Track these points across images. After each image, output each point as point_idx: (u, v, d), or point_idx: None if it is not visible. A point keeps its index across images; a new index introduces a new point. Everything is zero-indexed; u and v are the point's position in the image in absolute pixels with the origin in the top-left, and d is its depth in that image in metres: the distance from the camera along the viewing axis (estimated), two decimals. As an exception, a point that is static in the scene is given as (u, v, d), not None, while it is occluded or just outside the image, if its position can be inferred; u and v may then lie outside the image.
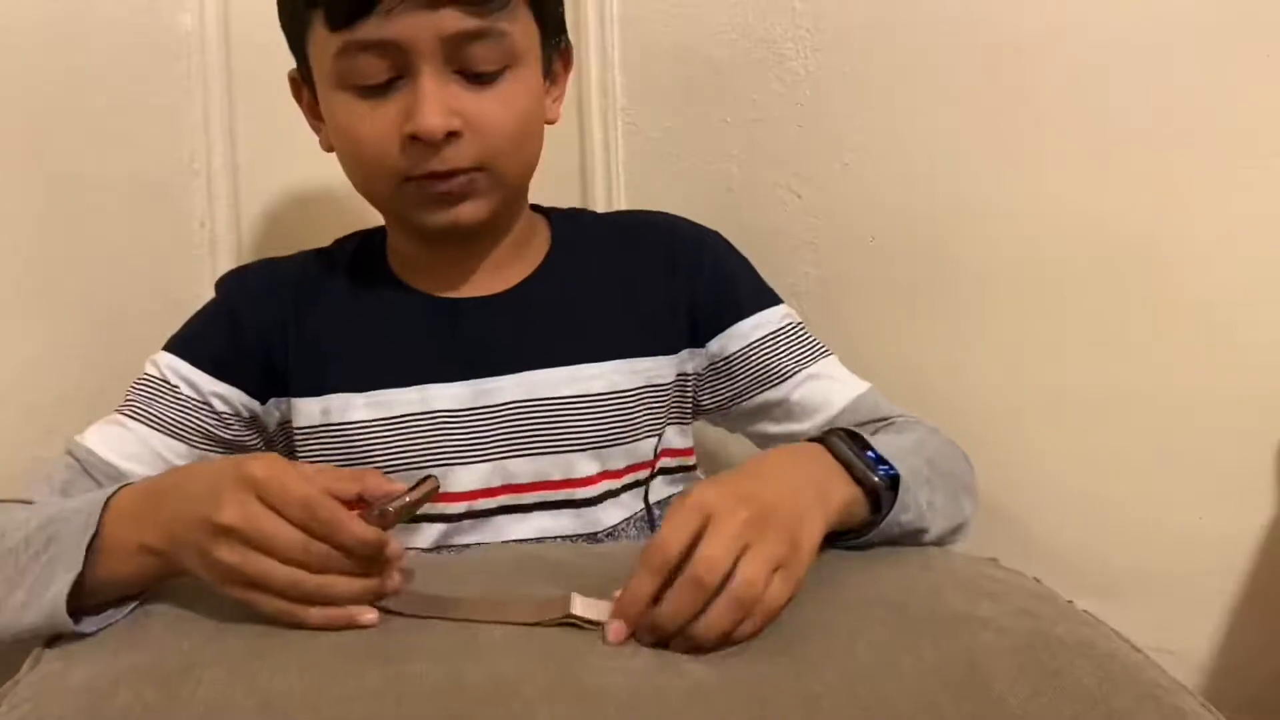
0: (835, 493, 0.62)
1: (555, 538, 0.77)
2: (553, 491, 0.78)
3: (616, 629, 0.53)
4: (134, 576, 0.59)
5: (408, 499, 0.57)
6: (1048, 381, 0.90)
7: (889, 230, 0.98)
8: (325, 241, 0.88)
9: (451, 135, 0.70)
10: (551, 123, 0.81)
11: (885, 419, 0.82)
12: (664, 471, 0.84)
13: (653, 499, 0.82)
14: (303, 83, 0.79)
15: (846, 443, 0.66)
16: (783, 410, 0.84)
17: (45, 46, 0.87)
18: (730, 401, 0.86)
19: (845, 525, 0.63)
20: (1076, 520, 0.90)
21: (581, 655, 0.51)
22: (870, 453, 0.66)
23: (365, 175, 0.75)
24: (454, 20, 0.69)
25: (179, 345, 0.80)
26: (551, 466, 0.78)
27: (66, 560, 0.57)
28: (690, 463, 0.87)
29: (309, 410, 0.78)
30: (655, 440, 0.82)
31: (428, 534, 0.76)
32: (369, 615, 0.55)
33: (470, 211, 0.74)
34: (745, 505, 0.55)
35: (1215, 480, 0.84)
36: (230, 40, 1.01)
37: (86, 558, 0.57)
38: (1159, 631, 0.83)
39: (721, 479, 0.59)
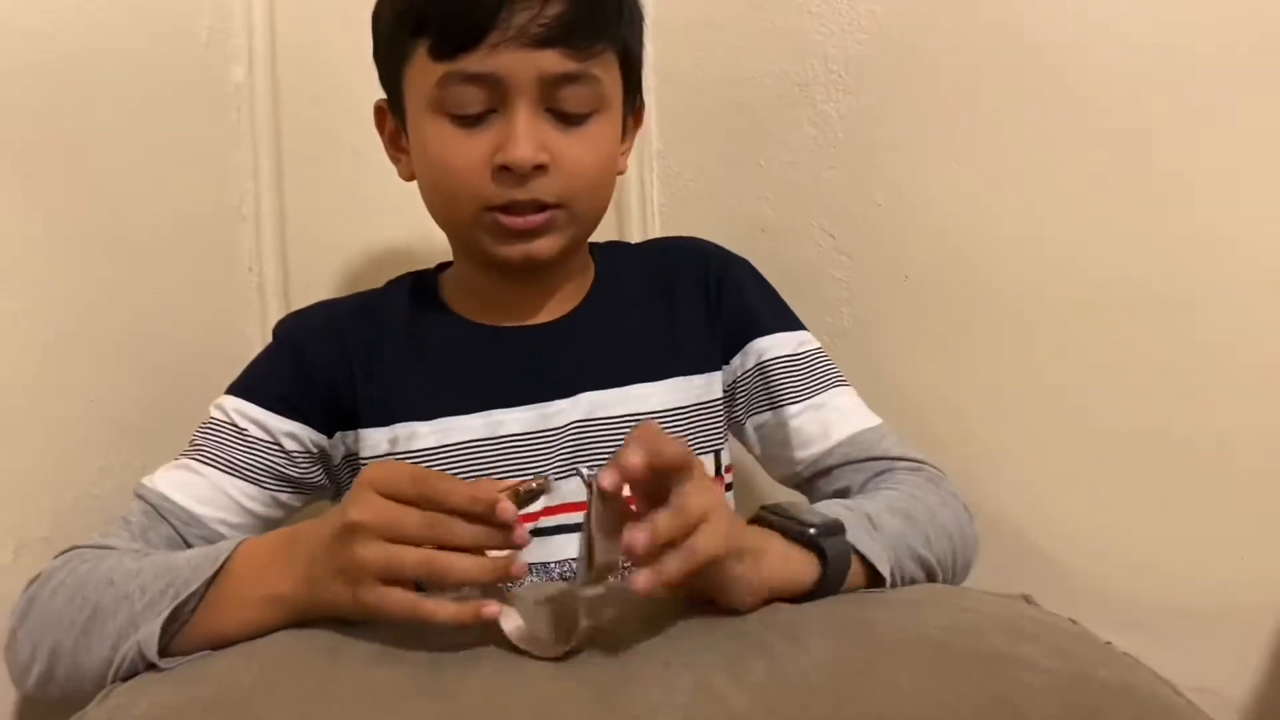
0: (788, 563, 0.63)
1: None
2: None
3: (612, 480, 0.55)
4: (251, 627, 0.61)
5: (529, 485, 0.59)
6: (1084, 419, 0.90)
7: (922, 269, 0.99)
8: (369, 283, 0.91)
9: (539, 169, 0.73)
10: (620, 173, 0.84)
11: (884, 459, 0.81)
12: (728, 489, 0.86)
13: None
14: (389, 112, 0.82)
15: (777, 511, 0.67)
16: (782, 434, 0.85)
17: (103, 95, 0.90)
18: (736, 419, 0.88)
19: (799, 586, 0.64)
20: (1113, 558, 0.89)
21: (624, 686, 0.52)
22: (801, 512, 0.66)
23: (448, 201, 0.77)
24: (555, 62, 0.72)
25: (244, 388, 0.81)
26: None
27: (188, 604, 0.61)
28: (731, 480, 0.89)
29: (376, 440, 0.80)
30: (713, 457, 0.84)
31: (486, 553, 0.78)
32: (492, 608, 0.57)
33: (543, 247, 0.77)
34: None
35: (1257, 518, 0.84)
36: (279, 91, 1.04)
37: (201, 605, 0.61)
38: (1199, 670, 0.83)
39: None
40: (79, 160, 0.89)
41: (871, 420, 0.84)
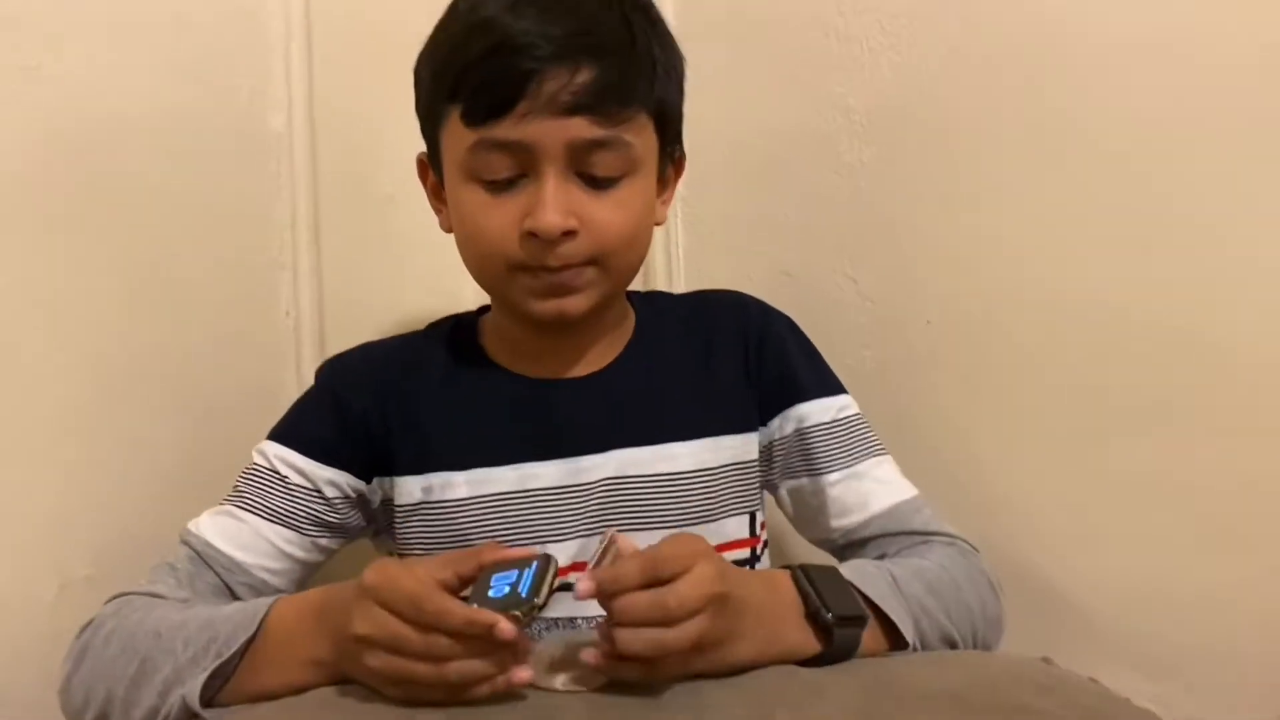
0: (783, 640, 0.65)
1: None
2: None
3: (586, 587, 0.60)
4: (295, 686, 0.64)
5: (538, 600, 0.59)
6: (1108, 464, 0.90)
7: (944, 314, 1.00)
8: (403, 329, 0.92)
9: (567, 234, 0.74)
10: (659, 224, 0.84)
11: (920, 533, 0.81)
12: (764, 548, 0.86)
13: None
14: (429, 166, 0.83)
15: (811, 573, 0.68)
16: (819, 502, 0.85)
17: (149, 148, 0.93)
18: (771, 480, 0.88)
19: (794, 660, 0.66)
20: (1138, 603, 0.89)
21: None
22: (832, 591, 0.68)
23: (481, 262, 0.79)
24: (583, 129, 0.72)
25: (285, 434, 0.82)
26: (641, 543, 0.79)
27: (231, 661, 0.64)
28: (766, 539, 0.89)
29: (410, 488, 0.81)
30: (747, 518, 0.84)
31: None
32: (523, 674, 0.59)
33: (575, 304, 0.77)
34: (724, 583, 0.61)
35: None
36: (317, 141, 1.07)
37: (243, 663, 0.65)
38: (1225, 713, 0.83)
39: (718, 554, 0.65)
40: (126, 210, 0.92)
41: (908, 491, 0.84)
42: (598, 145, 0.73)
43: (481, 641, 0.57)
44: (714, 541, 0.80)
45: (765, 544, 0.87)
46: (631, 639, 0.59)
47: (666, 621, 0.59)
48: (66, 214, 0.87)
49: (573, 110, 0.72)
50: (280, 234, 1.05)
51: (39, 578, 0.85)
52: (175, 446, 0.95)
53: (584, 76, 0.71)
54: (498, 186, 0.75)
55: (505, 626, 0.56)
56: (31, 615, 0.84)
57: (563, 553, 0.79)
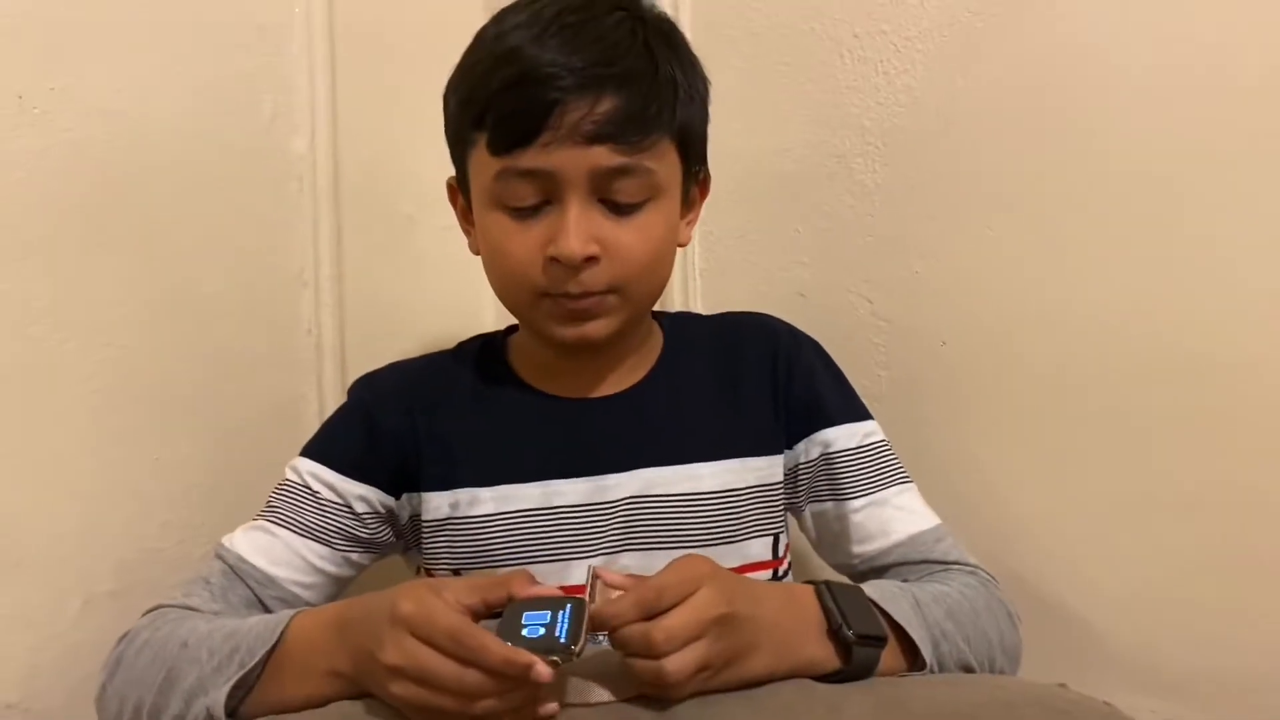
0: (798, 652, 0.66)
1: None
2: None
3: None
4: (316, 697, 0.65)
5: (575, 648, 0.58)
6: (1122, 486, 0.90)
7: (959, 335, 1.00)
8: (424, 347, 0.94)
9: (589, 260, 0.75)
10: (683, 245, 0.85)
11: (941, 562, 0.82)
12: (788, 571, 0.86)
13: None
14: (459, 190, 0.85)
15: (835, 591, 0.69)
16: (841, 527, 0.85)
17: (173, 167, 0.95)
18: (795, 503, 0.88)
19: (812, 674, 0.66)
20: (1154, 625, 0.89)
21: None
22: (855, 609, 0.68)
23: (506, 287, 0.80)
24: (605, 157, 0.73)
25: (317, 451, 0.84)
26: (664, 562, 0.79)
27: (253, 671, 0.66)
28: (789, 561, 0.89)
29: (437, 504, 0.82)
30: (770, 540, 0.84)
31: None
32: (551, 707, 0.61)
33: (598, 329, 0.78)
34: (729, 604, 0.62)
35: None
36: (338, 162, 1.08)
37: (265, 673, 0.66)
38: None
39: (729, 573, 0.66)
40: (149, 231, 0.93)
41: (931, 520, 0.84)
42: (620, 173, 0.74)
43: (514, 680, 0.58)
44: (736, 563, 0.82)
45: (789, 567, 0.88)
46: (639, 667, 0.61)
47: (655, 654, 0.60)
48: (91, 235, 0.89)
49: (595, 139, 0.73)
50: (302, 252, 1.07)
51: (63, 593, 0.86)
52: (198, 463, 0.96)
53: (606, 106, 0.73)
54: (522, 213, 0.76)
55: (543, 670, 0.57)
56: (56, 630, 0.85)
57: (585, 572, 0.79)
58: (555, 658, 0.57)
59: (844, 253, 1.07)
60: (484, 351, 0.90)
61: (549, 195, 0.75)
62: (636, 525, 0.81)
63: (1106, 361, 0.91)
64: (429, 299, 1.18)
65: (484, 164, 0.77)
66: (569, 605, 0.60)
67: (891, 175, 1.04)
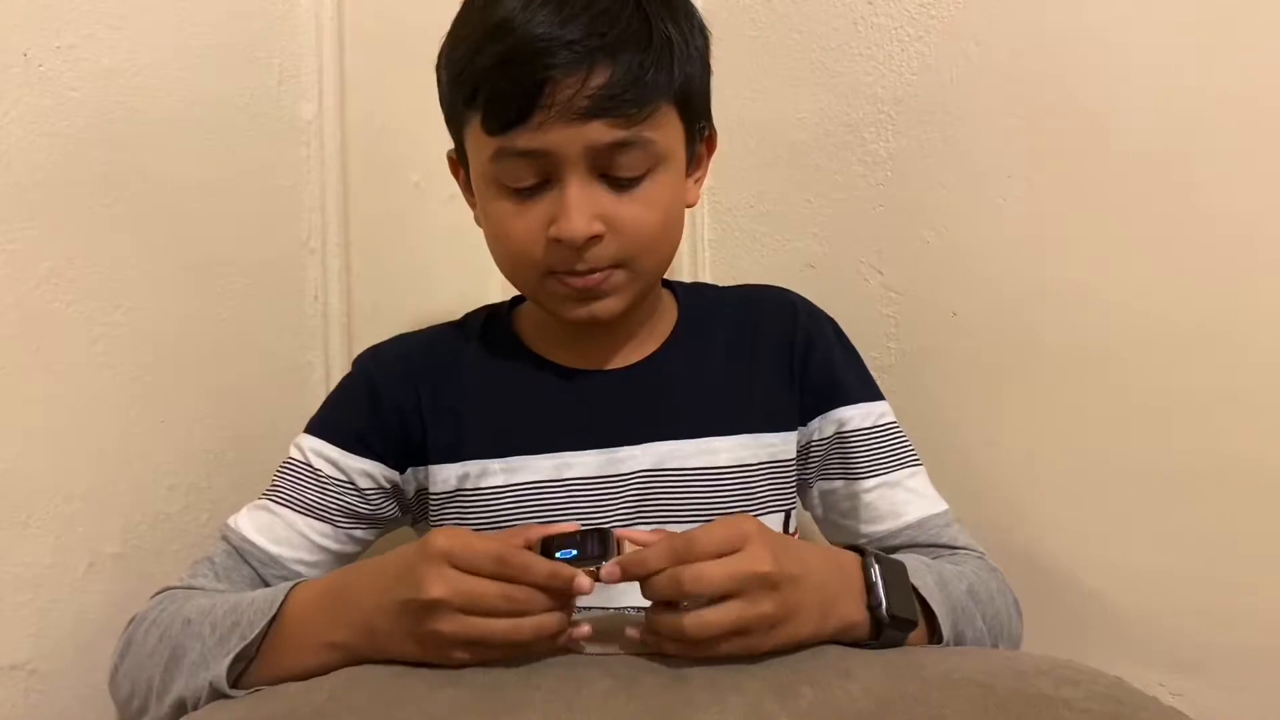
0: (839, 615, 0.65)
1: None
2: None
3: (610, 570, 0.61)
4: (312, 669, 0.64)
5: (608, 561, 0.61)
6: (1131, 458, 0.90)
7: (969, 306, 1.00)
8: (430, 314, 0.93)
9: (593, 239, 0.73)
10: (691, 205, 0.83)
11: (948, 546, 0.82)
12: None
13: None
14: (459, 163, 0.83)
15: (883, 567, 0.68)
16: (850, 506, 0.85)
17: (180, 131, 0.94)
18: (805, 479, 0.87)
19: (842, 640, 0.66)
20: (1163, 598, 0.89)
21: (681, 708, 0.55)
22: (895, 588, 0.68)
23: (511, 267, 0.79)
24: (601, 132, 0.71)
25: (320, 427, 0.83)
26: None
27: (253, 643, 0.66)
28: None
29: (446, 476, 0.81)
30: (782, 517, 0.84)
31: None
32: (585, 629, 0.62)
33: (607, 307, 0.77)
34: (771, 563, 0.61)
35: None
36: (346, 128, 1.08)
37: (263, 647, 0.66)
38: (1248, 712, 0.83)
39: (776, 534, 0.65)
40: (156, 196, 0.93)
41: (940, 505, 0.84)
42: (618, 147, 0.72)
43: (557, 596, 0.60)
44: None
45: None
46: (659, 620, 0.61)
47: (681, 596, 0.59)
48: (97, 197, 0.88)
49: (589, 115, 0.70)
50: (309, 219, 1.06)
51: (70, 555, 0.86)
52: (204, 428, 0.96)
53: (599, 79, 0.70)
54: (522, 194, 0.74)
55: (584, 581, 0.59)
56: (62, 591, 0.85)
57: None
58: (593, 567, 0.59)
59: (855, 223, 1.07)
60: (490, 322, 0.89)
61: (548, 175, 0.73)
62: (650, 498, 0.81)
63: (1118, 335, 0.91)
64: (436, 266, 1.17)
65: (480, 143, 0.75)
66: (594, 533, 0.62)
67: (904, 144, 1.03)
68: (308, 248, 1.06)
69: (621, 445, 0.81)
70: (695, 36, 0.78)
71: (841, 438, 0.85)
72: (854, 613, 0.66)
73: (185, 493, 0.93)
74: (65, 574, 0.86)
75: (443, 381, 0.83)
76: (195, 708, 0.65)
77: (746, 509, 0.81)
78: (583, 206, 0.72)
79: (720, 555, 0.60)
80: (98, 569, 0.87)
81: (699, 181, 0.84)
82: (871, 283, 1.06)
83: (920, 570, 0.71)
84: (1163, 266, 0.88)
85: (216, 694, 0.65)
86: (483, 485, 0.80)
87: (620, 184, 0.74)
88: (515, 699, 0.56)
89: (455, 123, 0.79)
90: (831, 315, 0.92)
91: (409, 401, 0.82)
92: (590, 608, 0.77)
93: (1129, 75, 0.89)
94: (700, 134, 0.82)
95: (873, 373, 0.90)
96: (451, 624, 0.59)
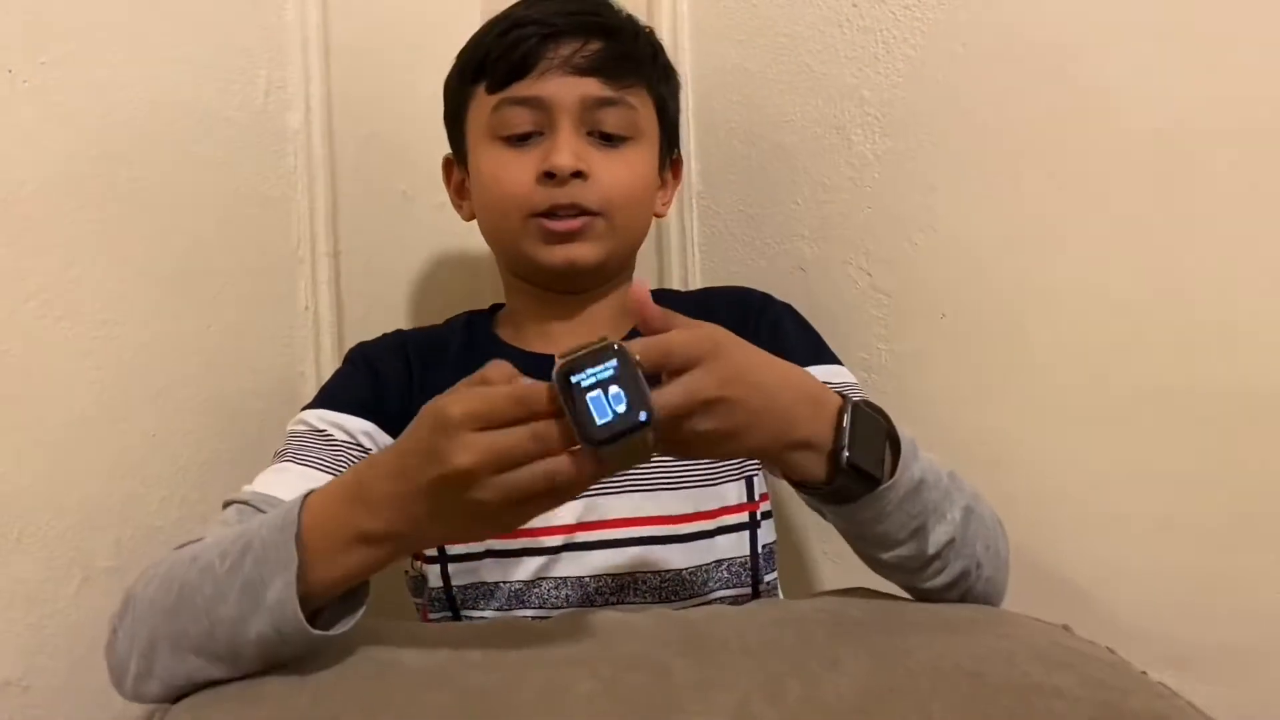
0: (797, 437, 0.64)
1: (648, 573, 0.81)
2: (644, 528, 0.82)
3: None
4: (351, 572, 0.60)
5: (651, 416, 0.55)
6: (1122, 456, 0.90)
7: (959, 307, 1.00)
8: (420, 323, 0.95)
9: (577, 175, 0.82)
10: (659, 216, 0.94)
11: None
12: (766, 516, 0.87)
13: (762, 542, 0.85)
14: (455, 164, 0.93)
15: (857, 417, 0.66)
16: None
17: (164, 141, 0.95)
18: None
19: (799, 473, 0.66)
20: (1155, 593, 0.89)
21: (666, 709, 0.54)
22: (865, 440, 0.66)
23: (500, 212, 0.86)
24: (595, 87, 0.84)
25: (324, 400, 0.85)
26: (644, 503, 0.83)
27: (275, 561, 0.59)
28: (768, 508, 0.89)
29: None
30: (744, 484, 0.86)
31: (528, 566, 0.81)
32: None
33: (583, 252, 0.84)
34: (720, 388, 0.60)
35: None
36: (334, 137, 1.08)
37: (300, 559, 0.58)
38: (1241, 707, 0.83)
39: (744, 347, 0.64)
40: (144, 207, 0.93)
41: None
42: (607, 103, 0.84)
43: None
44: (714, 506, 0.84)
45: (768, 512, 0.88)
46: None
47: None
48: (85, 211, 0.89)
49: (585, 71, 0.83)
50: (298, 229, 1.07)
51: (62, 569, 0.86)
52: (196, 439, 0.96)
53: (595, 45, 0.83)
54: (516, 141, 0.84)
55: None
56: (55, 606, 0.85)
57: (567, 512, 0.81)
58: (644, 437, 0.55)
59: (843, 225, 1.07)
60: (471, 322, 0.95)
61: (541, 125, 0.84)
62: (623, 474, 0.80)
63: (1108, 332, 0.91)
64: (425, 275, 1.17)
65: (482, 105, 0.85)
66: (613, 361, 0.56)
67: (891, 146, 1.03)
68: (297, 257, 1.07)
69: None
70: (672, 72, 0.93)
71: None
72: (814, 438, 0.65)
73: (178, 505, 0.93)
74: (58, 589, 0.86)
75: (428, 368, 0.88)
76: (228, 647, 0.59)
77: (708, 478, 0.84)
78: (571, 146, 0.82)
79: (683, 369, 0.59)
80: (90, 584, 0.87)
81: (666, 204, 0.95)
82: (860, 284, 1.06)
83: (913, 445, 0.69)
84: (1152, 266, 0.88)
85: (241, 629, 0.59)
86: None
87: (606, 141, 0.85)
88: (500, 702, 0.56)
89: (459, 112, 0.89)
90: (823, 316, 0.94)
91: (402, 376, 0.87)
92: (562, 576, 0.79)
93: (1116, 76, 0.89)
94: (669, 154, 0.94)
95: (863, 374, 0.91)
96: (490, 489, 0.55)
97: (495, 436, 0.55)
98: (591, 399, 0.54)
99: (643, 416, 0.54)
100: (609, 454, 0.55)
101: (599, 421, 0.54)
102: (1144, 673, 0.60)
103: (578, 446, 0.55)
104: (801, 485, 0.68)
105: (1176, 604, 0.88)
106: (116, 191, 0.91)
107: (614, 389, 0.55)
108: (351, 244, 1.10)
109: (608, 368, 0.55)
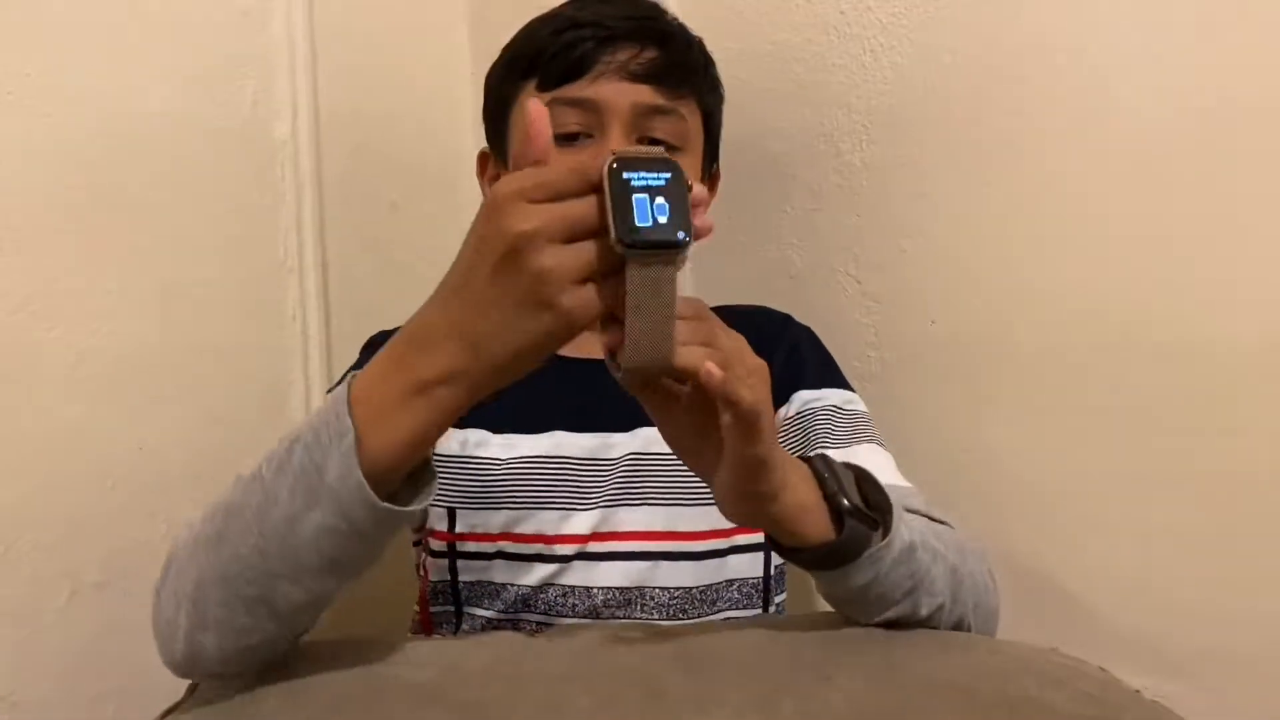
0: (793, 488, 0.61)
1: (656, 588, 0.81)
2: (658, 543, 0.82)
3: None
4: (415, 433, 0.55)
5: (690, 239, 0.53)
6: (1109, 463, 0.90)
7: (948, 314, 1.00)
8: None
9: None
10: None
11: (918, 513, 0.76)
12: None
13: (775, 563, 0.86)
14: (491, 158, 0.91)
15: (830, 469, 0.64)
16: None
17: (151, 152, 0.94)
18: None
19: (799, 528, 0.62)
20: (1145, 602, 0.89)
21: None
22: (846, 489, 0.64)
23: None
24: (649, 95, 0.82)
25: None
26: (657, 518, 0.83)
27: (328, 439, 0.54)
28: None
29: (449, 439, 0.85)
30: None
31: (538, 571, 0.81)
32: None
33: None
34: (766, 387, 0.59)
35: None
36: (321, 147, 1.08)
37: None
38: (1229, 713, 0.83)
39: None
40: (132, 217, 0.93)
41: (904, 482, 0.83)
42: (660, 111, 0.83)
43: None
44: (728, 524, 0.79)
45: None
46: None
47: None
48: (73, 222, 0.88)
49: (641, 79, 0.82)
50: (286, 239, 1.06)
51: (50, 584, 0.86)
52: (184, 452, 0.95)
53: (651, 53, 0.82)
54: (562, 140, 0.81)
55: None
56: (43, 622, 0.85)
57: (581, 522, 0.82)
58: (674, 261, 0.53)
59: (832, 233, 1.07)
60: None
61: (592, 127, 0.82)
62: (635, 480, 0.84)
63: (1097, 339, 0.91)
64: (414, 286, 1.16)
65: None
66: (669, 176, 0.53)
67: (879, 154, 1.03)
68: (285, 267, 1.06)
69: (613, 431, 0.85)
70: (719, 85, 0.92)
71: (803, 415, 0.87)
72: (805, 500, 0.62)
73: (166, 519, 0.93)
74: (46, 604, 0.85)
75: None
76: (285, 563, 0.54)
77: None
78: (622, 146, 0.80)
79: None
80: (79, 598, 0.87)
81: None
82: (850, 291, 1.06)
83: (897, 495, 0.67)
84: (1140, 271, 0.88)
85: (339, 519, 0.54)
86: (480, 454, 0.85)
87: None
88: (497, 718, 0.56)
89: (503, 107, 0.87)
90: (812, 324, 0.94)
91: None
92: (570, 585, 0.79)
93: (1105, 81, 0.89)
94: (710, 168, 0.93)
95: (854, 381, 0.91)
96: (553, 256, 0.51)
97: (554, 205, 0.52)
98: (637, 199, 0.52)
99: (681, 235, 0.52)
100: (636, 259, 0.52)
101: (639, 223, 0.51)
102: (1138, 691, 0.60)
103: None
104: (801, 551, 0.64)
105: (1169, 611, 0.88)
106: (104, 202, 0.90)
107: (660, 200, 0.52)
108: (339, 254, 1.10)
109: (662, 177, 0.53)
